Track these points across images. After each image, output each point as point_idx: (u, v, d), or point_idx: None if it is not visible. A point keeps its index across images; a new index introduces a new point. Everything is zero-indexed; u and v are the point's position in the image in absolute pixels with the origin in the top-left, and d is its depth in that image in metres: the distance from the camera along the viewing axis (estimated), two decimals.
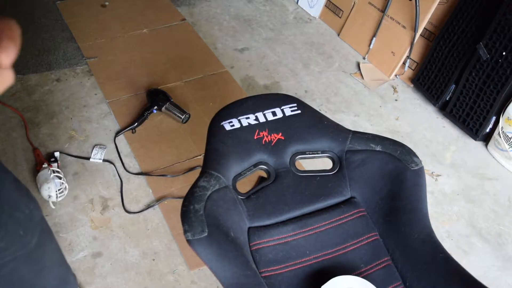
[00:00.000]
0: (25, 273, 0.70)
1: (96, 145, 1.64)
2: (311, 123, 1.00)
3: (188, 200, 0.81)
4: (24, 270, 0.69)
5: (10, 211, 0.64)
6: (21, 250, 0.67)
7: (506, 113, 1.69)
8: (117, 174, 1.55)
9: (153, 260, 1.35)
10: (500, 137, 1.72)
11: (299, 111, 1.01)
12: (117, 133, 1.68)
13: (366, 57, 2.24)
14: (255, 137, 0.96)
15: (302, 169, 0.98)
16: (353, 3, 2.27)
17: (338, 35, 2.36)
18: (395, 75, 2.16)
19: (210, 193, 0.83)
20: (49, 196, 1.40)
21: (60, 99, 1.80)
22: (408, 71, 2.13)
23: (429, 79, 1.99)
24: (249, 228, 0.88)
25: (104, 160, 1.59)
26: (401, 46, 2.09)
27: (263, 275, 0.83)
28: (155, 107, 1.74)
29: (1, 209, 0.61)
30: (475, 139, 1.86)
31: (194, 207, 0.80)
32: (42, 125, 1.69)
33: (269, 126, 0.98)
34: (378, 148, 0.96)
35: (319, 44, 2.30)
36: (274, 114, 1.00)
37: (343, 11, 2.33)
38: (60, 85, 1.86)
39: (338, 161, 0.98)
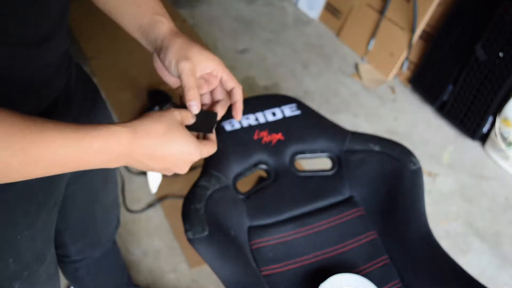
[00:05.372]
0: (96, 179, 0.79)
1: None
2: (310, 124, 1.01)
3: (189, 199, 0.83)
4: (96, 177, 0.79)
5: None
6: None
7: (503, 113, 1.70)
8: (118, 174, 1.57)
9: (155, 258, 1.37)
10: (497, 137, 1.74)
11: (298, 112, 1.02)
12: None
13: (364, 58, 2.25)
14: (255, 137, 0.98)
15: (302, 169, 0.99)
16: (351, 5, 2.29)
17: (337, 36, 2.37)
18: (394, 76, 2.18)
19: (210, 192, 0.84)
20: None
21: None
22: (406, 72, 2.14)
23: (427, 80, 2.00)
24: (249, 227, 0.90)
25: None
26: (399, 48, 2.11)
27: (263, 273, 0.84)
28: (156, 108, 1.75)
29: None
30: (473, 139, 1.88)
31: (195, 206, 0.81)
32: None
33: (269, 126, 0.99)
34: (377, 148, 0.97)
35: (318, 46, 2.32)
36: (274, 114, 1.01)
37: (342, 13, 2.35)
38: None
39: (337, 161, 0.99)
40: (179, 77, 0.55)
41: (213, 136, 0.58)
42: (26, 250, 0.60)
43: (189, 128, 0.54)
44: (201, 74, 0.58)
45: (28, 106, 0.52)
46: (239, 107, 0.62)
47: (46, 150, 0.39)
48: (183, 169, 0.51)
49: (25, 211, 0.57)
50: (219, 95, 0.63)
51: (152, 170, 0.49)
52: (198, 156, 0.51)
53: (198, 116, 0.56)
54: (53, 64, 0.54)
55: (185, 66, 0.54)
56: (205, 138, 0.57)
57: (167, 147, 0.47)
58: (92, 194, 0.80)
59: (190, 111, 0.54)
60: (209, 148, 0.54)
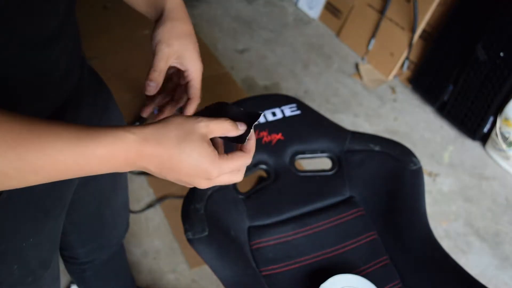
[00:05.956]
0: (106, 184, 0.78)
1: None
2: (310, 124, 1.01)
3: (189, 199, 0.83)
4: (106, 182, 0.78)
5: None
6: None
7: (504, 113, 1.70)
8: None
9: (154, 259, 1.37)
10: (498, 137, 1.74)
11: (298, 112, 1.02)
12: None
13: (365, 58, 2.25)
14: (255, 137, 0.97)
15: (302, 169, 0.99)
16: (352, 5, 2.29)
17: (337, 36, 2.37)
18: (394, 76, 2.18)
19: (210, 192, 0.84)
20: None
21: None
22: (406, 72, 2.14)
23: (427, 80, 2.00)
24: (249, 227, 0.89)
25: None
26: (399, 47, 2.11)
27: (263, 273, 0.84)
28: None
29: None
30: (473, 139, 1.87)
31: (194, 206, 0.81)
32: None
33: (269, 126, 0.99)
34: (377, 148, 0.97)
35: (318, 45, 2.32)
36: (274, 114, 1.01)
37: (342, 13, 2.34)
38: None
39: (337, 161, 0.99)
40: (154, 55, 0.55)
41: (249, 145, 0.48)
42: (31, 257, 0.59)
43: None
44: (175, 67, 0.57)
45: (34, 108, 0.52)
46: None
47: (44, 158, 0.36)
48: (200, 185, 0.45)
49: (31, 218, 0.57)
50: (179, 96, 0.61)
51: (167, 179, 0.45)
52: (217, 174, 0.44)
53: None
54: (61, 65, 0.54)
55: (163, 49, 0.54)
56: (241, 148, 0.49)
57: (177, 161, 0.42)
58: (102, 198, 0.80)
59: (146, 90, 0.54)
60: (237, 161, 0.46)
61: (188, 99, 0.57)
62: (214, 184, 0.46)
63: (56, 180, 0.40)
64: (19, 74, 0.47)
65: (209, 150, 0.43)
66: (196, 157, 0.42)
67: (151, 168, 0.43)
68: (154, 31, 0.56)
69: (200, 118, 0.44)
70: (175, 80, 0.61)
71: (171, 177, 0.44)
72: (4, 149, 0.35)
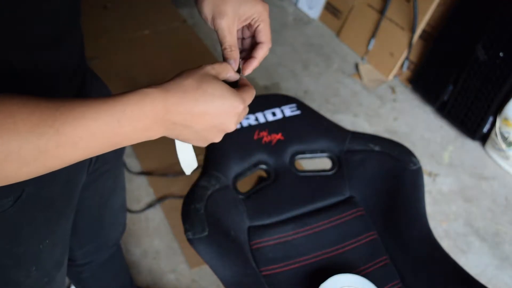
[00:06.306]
0: (106, 185, 0.78)
1: None
2: (310, 124, 1.01)
3: (189, 199, 0.83)
4: (106, 183, 0.78)
5: None
6: (109, 164, 0.75)
7: (503, 113, 1.70)
8: None
9: (154, 259, 1.37)
10: (497, 137, 1.74)
11: (298, 112, 1.02)
12: None
13: (364, 58, 2.25)
14: (255, 137, 0.98)
15: (302, 169, 0.99)
16: (352, 5, 2.29)
17: (337, 36, 2.37)
18: (394, 76, 2.18)
19: (210, 192, 0.84)
20: None
21: None
22: (406, 72, 2.14)
23: (427, 80, 2.00)
24: (249, 227, 0.90)
25: None
26: (399, 47, 2.11)
27: (263, 273, 0.84)
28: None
29: None
30: (473, 139, 1.87)
31: (194, 206, 0.81)
32: None
33: (269, 126, 0.99)
34: (377, 148, 0.97)
35: (318, 46, 2.32)
36: (274, 114, 1.01)
37: (342, 13, 2.34)
38: None
39: (337, 161, 0.99)
40: (216, 33, 0.52)
41: (245, 80, 0.52)
42: (47, 258, 0.60)
43: None
44: (242, 25, 0.54)
45: None
46: (252, 64, 0.53)
47: (80, 128, 0.37)
48: (231, 125, 0.46)
49: (47, 220, 0.58)
50: (246, 45, 0.57)
51: (198, 134, 0.44)
52: (242, 104, 0.45)
53: None
54: (69, 65, 0.54)
55: (220, 24, 0.51)
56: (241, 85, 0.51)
57: (204, 101, 0.42)
58: (102, 199, 0.80)
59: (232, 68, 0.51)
60: (249, 93, 0.48)
61: (259, 43, 0.54)
62: (240, 120, 0.47)
63: (94, 155, 0.40)
64: (29, 74, 0.47)
65: (227, 86, 0.45)
66: (219, 93, 0.43)
67: (179, 121, 0.42)
68: (200, 12, 0.52)
69: (203, 65, 0.46)
70: (248, 34, 0.57)
71: (201, 126, 0.44)
72: (43, 127, 0.35)
